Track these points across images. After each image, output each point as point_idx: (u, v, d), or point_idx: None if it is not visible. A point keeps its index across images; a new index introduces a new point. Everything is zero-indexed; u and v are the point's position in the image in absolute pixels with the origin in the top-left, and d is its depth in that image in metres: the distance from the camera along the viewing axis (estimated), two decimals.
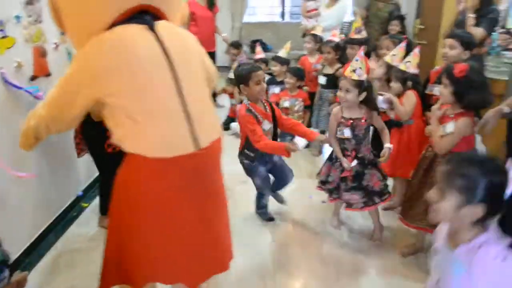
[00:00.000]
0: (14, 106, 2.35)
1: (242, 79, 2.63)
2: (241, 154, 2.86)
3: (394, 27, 4.62)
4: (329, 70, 4.05)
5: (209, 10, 5.26)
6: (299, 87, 4.30)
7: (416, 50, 2.83)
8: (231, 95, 4.98)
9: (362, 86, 2.52)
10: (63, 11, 1.55)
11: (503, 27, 3.56)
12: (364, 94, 2.54)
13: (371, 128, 2.78)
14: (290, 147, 2.50)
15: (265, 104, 2.75)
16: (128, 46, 1.51)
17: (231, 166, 2.36)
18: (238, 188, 3.31)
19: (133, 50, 1.51)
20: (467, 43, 2.77)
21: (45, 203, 2.79)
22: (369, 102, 2.60)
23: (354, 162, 2.63)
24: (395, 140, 2.89)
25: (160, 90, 1.56)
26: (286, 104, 4.26)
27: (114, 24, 1.52)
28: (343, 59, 3.89)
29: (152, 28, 1.56)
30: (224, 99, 5.39)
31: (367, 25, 4.91)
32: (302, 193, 3.42)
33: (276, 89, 4.53)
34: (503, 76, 3.52)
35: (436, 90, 2.86)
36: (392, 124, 2.95)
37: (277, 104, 4.38)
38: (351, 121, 2.59)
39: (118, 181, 1.68)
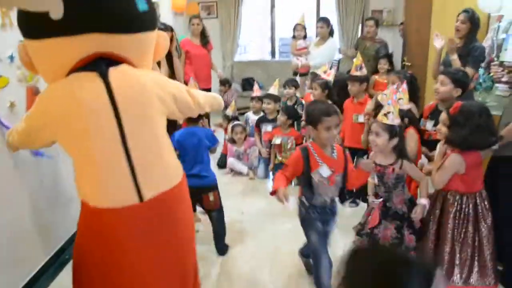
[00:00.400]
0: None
1: (312, 120, 2.32)
2: (299, 200, 2.50)
3: (383, 65, 4.74)
4: None
5: (204, 48, 5.36)
6: (291, 125, 4.34)
7: (404, 86, 2.88)
8: (226, 131, 5.00)
9: (393, 131, 2.40)
10: (33, 57, 1.59)
11: (497, 58, 3.64)
12: (395, 140, 2.42)
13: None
14: (281, 195, 2.15)
15: (335, 149, 2.36)
16: (74, 94, 1.51)
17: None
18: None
19: (77, 99, 1.51)
20: (458, 80, 2.82)
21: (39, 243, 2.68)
22: (398, 149, 2.46)
23: (377, 200, 2.49)
24: None
25: (101, 140, 1.54)
26: (278, 141, 4.30)
27: (74, 70, 1.54)
28: (333, 98, 3.91)
29: (104, 75, 1.54)
30: (220, 135, 5.41)
31: None
32: None
33: (268, 127, 4.57)
34: (493, 111, 3.55)
35: (429, 125, 2.91)
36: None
37: (270, 141, 4.42)
38: (379, 167, 2.48)
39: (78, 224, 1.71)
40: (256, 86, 4.95)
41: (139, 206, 1.60)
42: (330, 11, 7.51)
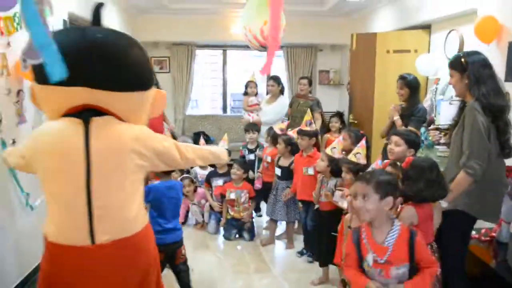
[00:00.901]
0: None
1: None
2: None
3: (334, 123, 4.93)
4: (284, 163, 4.16)
5: None
6: (245, 179, 4.35)
7: (363, 142, 2.99)
8: None
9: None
10: (37, 97, 1.80)
11: (432, 123, 3.87)
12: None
13: None
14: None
15: (396, 231, 1.97)
16: (54, 135, 1.68)
17: None
18: None
19: (55, 139, 1.67)
20: (412, 141, 2.92)
21: None
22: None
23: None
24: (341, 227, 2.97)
25: (66, 181, 1.65)
26: (232, 196, 4.28)
27: (66, 114, 1.70)
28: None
29: (86, 123, 1.65)
30: None
31: (292, 120, 5.34)
32: None
33: (219, 181, 4.56)
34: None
35: None
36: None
37: (223, 196, 4.40)
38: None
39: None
40: (202, 141, 4.98)
41: (90, 249, 1.64)
42: (280, 70, 7.81)
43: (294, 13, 5.63)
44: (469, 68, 2.46)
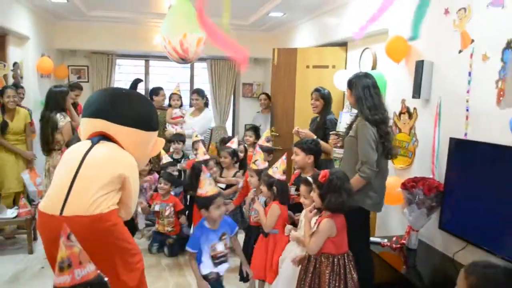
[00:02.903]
0: None
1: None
2: None
3: (249, 137, 4.99)
4: (228, 174, 4.15)
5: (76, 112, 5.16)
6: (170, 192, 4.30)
7: (284, 158, 3.07)
8: None
9: None
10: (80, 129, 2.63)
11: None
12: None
13: None
14: None
15: None
16: (72, 148, 2.48)
17: None
18: None
19: (70, 150, 2.45)
20: (308, 148, 3.24)
21: None
22: None
23: None
24: (263, 246, 3.05)
25: (64, 171, 2.31)
26: (157, 208, 4.21)
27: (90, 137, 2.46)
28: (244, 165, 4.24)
29: (94, 144, 2.37)
30: None
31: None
32: None
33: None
34: None
35: (292, 190, 3.15)
36: (260, 231, 3.11)
37: (149, 205, 4.30)
38: None
39: None
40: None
41: (56, 217, 2.16)
42: (203, 82, 7.80)
43: (218, 26, 5.65)
44: (354, 88, 2.96)
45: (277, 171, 3.04)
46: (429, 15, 3.19)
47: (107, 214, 2.22)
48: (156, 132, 2.61)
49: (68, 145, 4.03)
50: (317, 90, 4.10)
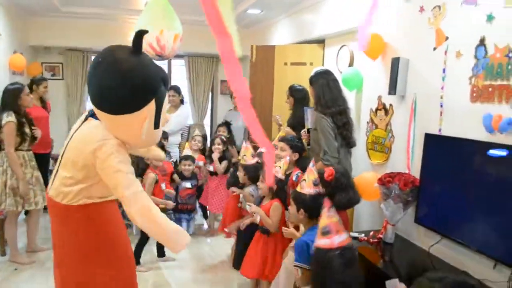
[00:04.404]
0: None
1: None
2: None
3: (222, 133, 4.98)
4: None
5: (44, 109, 5.01)
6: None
7: (287, 158, 3.10)
8: None
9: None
10: None
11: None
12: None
13: None
14: None
15: None
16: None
17: None
18: None
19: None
20: (295, 146, 3.32)
21: None
22: None
23: None
24: (261, 244, 3.08)
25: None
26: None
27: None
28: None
29: (81, 123, 2.12)
30: None
31: None
32: None
33: (187, 184, 4.85)
34: None
35: None
36: (261, 231, 3.13)
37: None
38: None
39: None
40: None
41: (47, 196, 2.14)
42: (181, 79, 7.74)
43: (195, 23, 5.60)
44: (313, 84, 3.26)
45: (279, 170, 3.03)
46: (405, 13, 3.25)
47: (73, 207, 2.02)
48: (134, 114, 1.93)
49: (18, 148, 3.92)
50: (289, 88, 4.26)
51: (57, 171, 2.10)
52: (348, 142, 3.15)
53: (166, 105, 2.08)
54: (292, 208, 2.45)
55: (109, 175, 1.91)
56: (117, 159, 1.91)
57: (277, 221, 2.97)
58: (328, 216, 2.02)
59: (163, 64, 7.62)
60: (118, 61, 1.90)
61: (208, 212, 5.26)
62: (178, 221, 4.56)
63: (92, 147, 1.92)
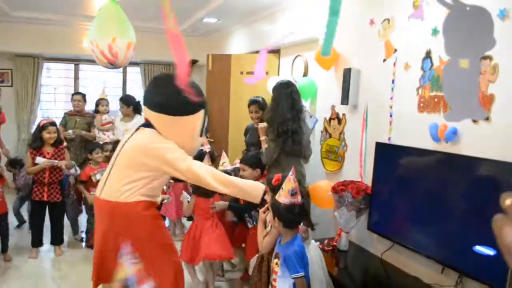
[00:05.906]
0: None
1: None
2: None
3: None
4: None
5: None
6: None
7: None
8: None
9: None
10: None
11: None
12: None
13: None
14: None
15: None
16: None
17: None
18: None
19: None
20: (253, 163, 3.36)
21: None
22: None
23: None
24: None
25: (111, 159, 2.60)
26: (98, 176, 4.16)
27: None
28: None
29: (134, 132, 2.63)
30: None
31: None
32: None
33: None
34: None
35: None
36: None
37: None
38: None
39: None
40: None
41: (97, 198, 2.53)
42: (137, 87, 7.62)
43: (151, 30, 5.55)
44: (273, 94, 3.44)
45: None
46: (356, 25, 3.34)
47: (131, 204, 2.41)
48: (189, 117, 2.56)
49: None
50: (254, 102, 4.10)
51: (108, 174, 2.51)
52: (284, 150, 3.28)
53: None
54: (270, 215, 2.41)
55: (178, 163, 2.43)
56: (179, 151, 2.48)
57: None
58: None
59: (118, 71, 7.50)
60: (168, 76, 2.63)
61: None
62: None
63: (155, 146, 2.45)
